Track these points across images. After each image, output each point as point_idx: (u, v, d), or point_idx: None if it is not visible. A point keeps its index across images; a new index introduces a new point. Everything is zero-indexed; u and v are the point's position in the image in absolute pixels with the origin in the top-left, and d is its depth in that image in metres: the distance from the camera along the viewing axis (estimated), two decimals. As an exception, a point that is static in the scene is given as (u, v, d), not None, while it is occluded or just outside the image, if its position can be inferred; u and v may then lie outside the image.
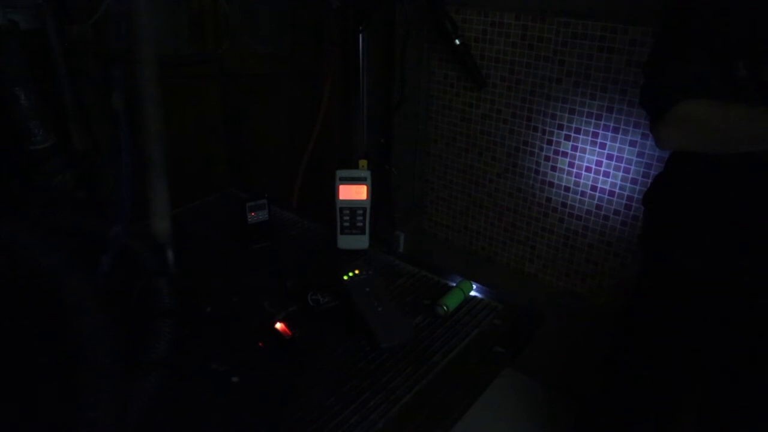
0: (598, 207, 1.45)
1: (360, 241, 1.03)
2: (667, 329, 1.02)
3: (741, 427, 1.01)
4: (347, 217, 1.01)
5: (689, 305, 0.98)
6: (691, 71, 0.83)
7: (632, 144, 1.33)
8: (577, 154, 1.44)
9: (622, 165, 1.37)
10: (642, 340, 1.08)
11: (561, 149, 1.47)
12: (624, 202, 1.39)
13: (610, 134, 1.37)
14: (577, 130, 1.42)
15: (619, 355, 1.16)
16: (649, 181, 1.30)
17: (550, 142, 1.48)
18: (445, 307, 0.86)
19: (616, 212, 1.42)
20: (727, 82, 0.82)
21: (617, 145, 1.36)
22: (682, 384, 1.08)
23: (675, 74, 0.85)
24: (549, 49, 1.40)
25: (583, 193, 1.47)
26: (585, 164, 1.43)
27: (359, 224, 1.02)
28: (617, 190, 1.40)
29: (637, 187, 1.36)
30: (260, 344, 0.79)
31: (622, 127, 1.34)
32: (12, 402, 0.63)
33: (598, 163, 1.41)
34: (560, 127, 1.45)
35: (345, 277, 0.88)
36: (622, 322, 1.15)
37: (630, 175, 1.36)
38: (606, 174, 1.40)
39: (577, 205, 1.49)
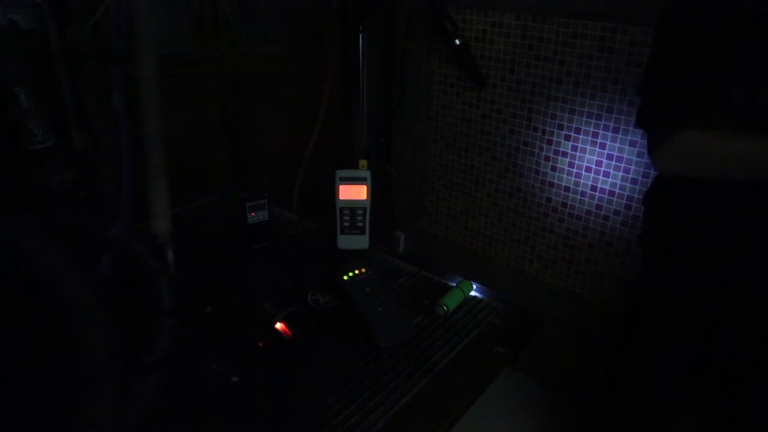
0: (598, 207, 1.45)
1: (360, 241, 1.03)
2: (668, 329, 1.02)
3: (742, 427, 1.01)
4: (347, 217, 1.01)
5: (689, 305, 0.98)
6: (689, 98, 0.83)
7: (632, 144, 1.33)
8: (577, 154, 1.44)
9: (622, 165, 1.37)
10: (642, 340, 1.08)
11: (561, 149, 1.47)
12: (624, 202, 1.39)
13: (610, 134, 1.37)
14: (577, 130, 1.42)
15: (619, 356, 1.16)
16: (649, 181, 1.30)
17: (550, 142, 1.48)
18: (445, 307, 0.86)
19: (616, 212, 1.42)
20: (725, 107, 0.81)
21: (617, 145, 1.36)
22: (683, 384, 1.08)
23: (672, 101, 0.85)
24: (549, 49, 1.40)
25: (583, 193, 1.47)
26: (585, 164, 1.43)
27: (359, 224, 1.02)
28: (617, 190, 1.40)
29: (637, 187, 1.36)
30: (260, 344, 0.80)
31: (622, 127, 1.34)
32: (12, 402, 0.63)
33: (598, 163, 1.41)
34: (560, 127, 1.45)
35: (345, 277, 0.88)
36: (622, 322, 1.15)
37: (630, 175, 1.36)
38: (606, 174, 1.41)
39: (577, 205, 1.49)
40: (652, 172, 1.32)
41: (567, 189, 1.49)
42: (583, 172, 1.45)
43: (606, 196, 1.42)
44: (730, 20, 0.79)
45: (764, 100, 0.79)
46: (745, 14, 0.78)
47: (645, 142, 1.30)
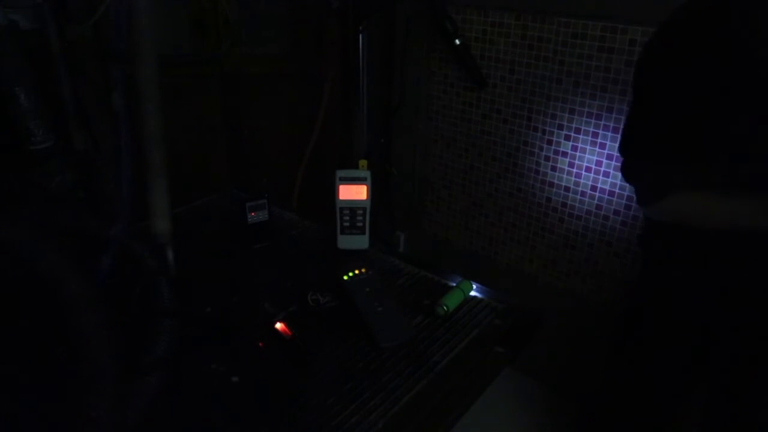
0: (598, 207, 1.45)
1: (360, 241, 1.03)
2: (668, 329, 1.02)
3: (742, 427, 1.01)
4: (347, 217, 1.01)
5: (689, 305, 0.98)
6: (674, 158, 0.82)
7: (632, 144, 1.33)
8: (577, 154, 1.44)
9: (622, 165, 1.36)
10: (642, 340, 1.08)
11: (561, 149, 1.47)
12: (624, 202, 1.39)
13: (610, 134, 1.37)
14: (577, 130, 1.42)
15: (619, 356, 1.16)
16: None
17: (550, 142, 1.48)
18: (445, 307, 0.86)
19: (616, 212, 1.42)
20: (713, 164, 0.81)
21: (617, 145, 1.36)
22: (683, 384, 1.08)
23: (657, 161, 0.84)
24: (549, 49, 1.40)
25: (583, 193, 1.47)
26: (585, 164, 1.43)
27: (359, 224, 1.02)
28: (617, 190, 1.40)
29: (637, 187, 1.36)
30: (260, 344, 0.80)
31: (621, 127, 1.34)
32: (12, 402, 0.63)
33: (598, 163, 1.41)
34: (560, 127, 1.45)
35: (345, 277, 0.88)
36: (622, 322, 1.15)
37: (630, 175, 1.36)
38: (606, 174, 1.40)
39: (577, 205, 1.49)
40: (652, 172, 1.32)
41: (567, 189, 1.49)
42: (583, 172, 1.45)
43: (606, 196, 1.42)
44: (707, 73, 0.77)
45: (745, 174, 0.79)
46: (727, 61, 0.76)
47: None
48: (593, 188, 1.44)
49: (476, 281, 0.93)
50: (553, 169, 1.50)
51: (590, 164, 1.42)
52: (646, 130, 0.87)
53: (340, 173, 1.00)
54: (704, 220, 0.84)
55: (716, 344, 1.00)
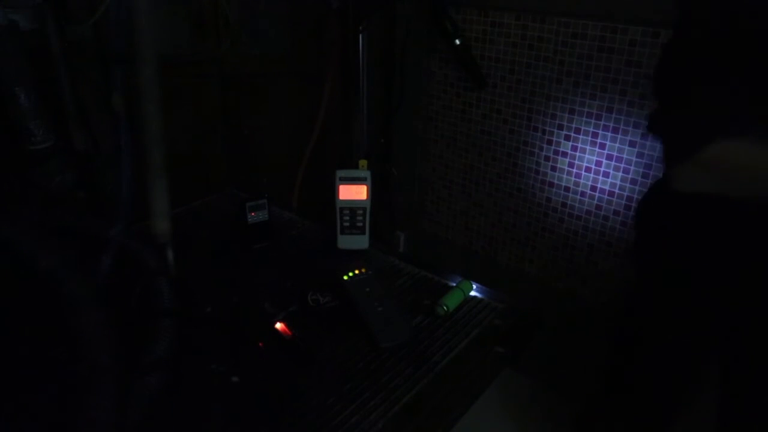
0: (598, 207, 1.45)
1: (360, 241, 1.03)
2: (667, 329, 1.02)
3: (743, 427, 1.01)
4: (347, 217, 1.01)
5: (689, 305, 0.98)
6: (725, 100, 0.66)
7: (632, 144, 1.33)
8: (577, 154, 1.44)
9: (622, 165, 1.37)
10: (642, 340, 1.08)
11: (561, 149, 1.47)
12: (624, 202, 1.39)
13: (610, 134, 1.37)
14: (577, 130, 1.42)
15: (619, 356, 1.16)
16: (649, 182, 1.30)
17: (550, 142, 1.48)
18: (445, 307, 0.86)
19: (616, 212, 1.42)
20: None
21: (617, 145, 1.36)
22: (684, 383, 1.08)
23: (700, 101, 0.68)
24: (549, 49, 1.40)
25: (583, 193, 1.47)
26: (585, 164, 1.43)
27: (359, 224, 1.02)
28: (617, 191, 1.40)
29: (637, 188, 1.36)
30: (260, 344, 0.80)
31: (622, 127, 1.34)
32: (12, 402, 0.63)
33: (598, 163, 1.41)
34: (560, 127, 1.45)
35: (345, 277, 0.88)
36: (622, 322, 1.15)
37: (630, 176, 1.36)
38: (606, 174, 1.40)
39: (577, 205, 1.49)
40: (652, 173, 1.32)
41: (567, 189, 1.49)
42: (583, 173, 1.45)
43: (606, 197, 1.42)
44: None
45: None
46: None
47: (645, 142, 1.31)
48: (593, 188, 1.44)
49: (476, 281, 0.93)
50: (553, 169, 1.50)
51: (590, 164, 1.42)
52: (693, 62, 0.70)
53: (340, 173, 1.00)
54: (761, 176, 0.66)
55: (716, 344, 1.00)
